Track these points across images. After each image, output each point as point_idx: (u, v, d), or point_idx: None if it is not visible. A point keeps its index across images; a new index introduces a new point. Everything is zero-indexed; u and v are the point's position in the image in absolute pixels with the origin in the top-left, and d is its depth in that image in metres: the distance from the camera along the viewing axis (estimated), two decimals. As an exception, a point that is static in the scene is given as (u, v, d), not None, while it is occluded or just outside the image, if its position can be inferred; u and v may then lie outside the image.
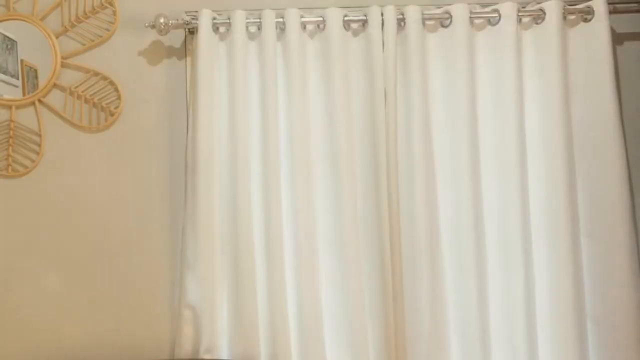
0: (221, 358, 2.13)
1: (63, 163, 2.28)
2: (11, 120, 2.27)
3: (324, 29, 2.20)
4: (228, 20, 2.18)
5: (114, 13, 2.29)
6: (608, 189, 2.17)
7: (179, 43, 2.30)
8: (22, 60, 2.27)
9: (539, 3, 2.24)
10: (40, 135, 2.27)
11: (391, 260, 2.11)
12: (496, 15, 2.20)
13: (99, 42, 2.29)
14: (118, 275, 2.25)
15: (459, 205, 2.16)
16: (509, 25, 2.18)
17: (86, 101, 2.28)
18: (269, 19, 2.17)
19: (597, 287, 2.18)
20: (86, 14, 2.28)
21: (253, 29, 2.21)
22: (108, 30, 2.29)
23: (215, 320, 2.13)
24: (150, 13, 2.23)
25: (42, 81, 2.27)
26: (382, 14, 2.17)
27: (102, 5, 2.28)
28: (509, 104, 2.17)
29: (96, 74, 2.28)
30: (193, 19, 2.20)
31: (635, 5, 2.27)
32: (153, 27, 2.19)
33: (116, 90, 2.28)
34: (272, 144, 2.15)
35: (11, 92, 2.27)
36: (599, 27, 2.19)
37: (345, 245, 2.14)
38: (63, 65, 2.27)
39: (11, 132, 2.26)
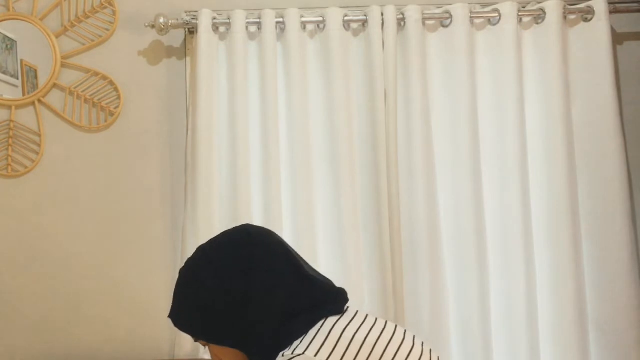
0: (221, 358, 2.14)
1: (63, 163, 2.27)
2: (11, 120, 2.26)
3: (324, 28, 2.20)
4: (228, 20, 2.18)
5: (114, 13, 2.28)
6: (608, 189, 2.16)
7: (179, 43, 2.30)
8: (21, 60, 2.27)
9: (539, 3, 2.24)
10: (40, 135, 2.27)
11: (391, 260, 2.11)
12: (496, 15, 2.20)
13: (98, 42, 2.28)
14: (118, 274, 2.25)
15: (460, 206, 2.16)
16: (509, 25, 2.18)
17: (86, 101, 2.28)
18: (269, 18, 2.17)
19: (598, 291, 2.17)
20: (86, 14, 2.28)
21: (253, 28, 2.21)
22: (108, 30, 2.29)
23: (215, 321, 2.13)
24: (150, 13, 2.22)
25: (42, 81, 2.26)
26: (382, 14, 2.16)
27: (102, 5, 2.28)
28: (509, 103, 2.17)
29: (96, 73, 2.28)
30: (193, 18, 2.20)
31: (636, 5, 2.26)
32: (153, 27, 2.19)
33: (116, 90, 2.28)
34: (272, 143, 2.14)
35: (11, 92, 2.26)
36: (599, 27, 2.19)
37: (345, 246, 2.14)
38: (63, 65, 2.27)
39: (11, 132, 2.26)
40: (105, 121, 2.28)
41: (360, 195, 2.17)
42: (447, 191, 2.18)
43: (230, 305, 1.22)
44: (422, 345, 1.27)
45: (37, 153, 2.27)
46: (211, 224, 2.13)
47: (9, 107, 2.27)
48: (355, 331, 1.19)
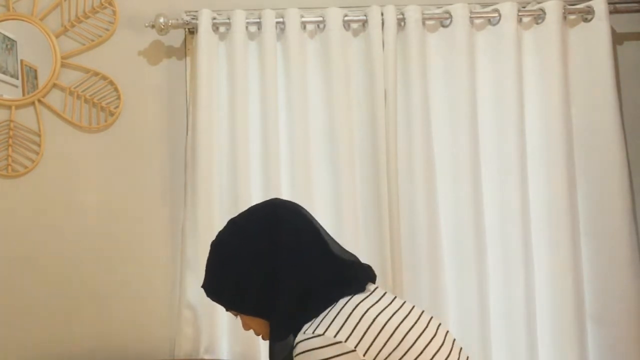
0: (221, 358, 2.13)
1: (63, 163, 2.27)
2: (11, 120, 2.26)
3: (324, 29, 2.20)
4: (228, 20, 2.18)
5: (114, 13, 2.28)
6: (608, 188, 2.17)
7: (179, 43, 2.30)
8: (21, 60, 2.27)
9: (539, 3, 2.24)
10: (39, 135, 2.27)
11: (391, 261, 2.11)
12: (496, 15, 2.20)
13: (98, 42, 2.28)
14: (118, 275, 2.25)
15: (460, 205, 2.16)
16: (509, 25, 2.18)
17: (86, 101, 2.28)
18: (269, 18, 2.17)
19: (597, 287, 2.18)
20: (86, 14, 2.28)
21: (253, 28, 2.21)
22: (108, 30, 2.29)
23: (215, 320, 2.13)
24: (150, 13, 2.22)
25: (42, 81, 2.26)
26: (382, 14, 2.17)
27: (102, 5, 2.28)
28: (509, 103, 2.17)
29: (96, 73, 2.28)
30: (193, 18, 2.20)
31: (635, 5, 2.27)
32: (153, 27, 2.19)
33: (116, 90, 2.28)
34: (272, 143, 2.14)
35: (11, 92, 2.26)
36: (599, 27, 2.19)
37: (344, 245, 2.12)
38: (63, 65, 2.27)
39: (11, 132, 2.26)
40: (105, 121, 2.28)
41: (360, 195, 2.17)
42: (447, 190, 2.19)
43: (259, 278, 1.28)
44: (453, 344, 1.29)
45: (37, 153, 2.27)
46: (211, 224, 2.12)
47: (9, 107, 2.27)
48: (377, 313, 1.20)
